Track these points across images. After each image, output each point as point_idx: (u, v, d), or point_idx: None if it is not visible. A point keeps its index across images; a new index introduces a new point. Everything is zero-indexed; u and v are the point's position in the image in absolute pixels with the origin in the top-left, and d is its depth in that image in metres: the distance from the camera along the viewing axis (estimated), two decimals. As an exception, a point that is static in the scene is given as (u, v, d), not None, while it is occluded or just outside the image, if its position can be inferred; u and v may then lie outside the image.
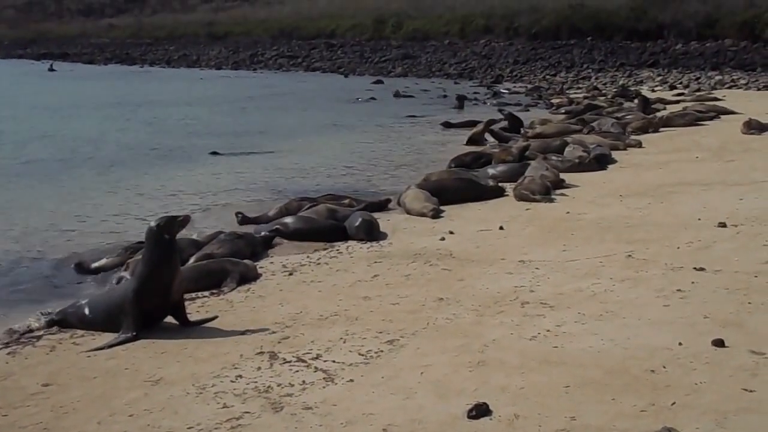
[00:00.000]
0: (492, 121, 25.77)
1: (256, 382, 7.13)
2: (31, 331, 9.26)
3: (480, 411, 6.11)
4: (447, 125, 29.55)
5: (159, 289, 8.82)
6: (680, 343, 7.38)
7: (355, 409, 6.41)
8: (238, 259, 11.43)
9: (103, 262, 12.09)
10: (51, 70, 75.70)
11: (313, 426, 6.16)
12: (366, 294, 9.79)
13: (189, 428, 6.27)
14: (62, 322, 9.48)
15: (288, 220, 13.84)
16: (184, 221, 9.04)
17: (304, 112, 36.97)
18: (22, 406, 6.99)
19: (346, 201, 15.55)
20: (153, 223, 9.00)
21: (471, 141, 24.22)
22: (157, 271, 8.81)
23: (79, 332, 9.21)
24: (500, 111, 29.18)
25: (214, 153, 23.56)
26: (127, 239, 13.57)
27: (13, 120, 34.06)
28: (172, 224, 8.90)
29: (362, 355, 7.64)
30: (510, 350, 7.48)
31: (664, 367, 6.85)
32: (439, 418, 6.15)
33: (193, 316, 9.51)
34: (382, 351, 7.72)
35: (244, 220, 14.58)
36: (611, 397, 6.32)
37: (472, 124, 27.19)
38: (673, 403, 6.15)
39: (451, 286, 9.88)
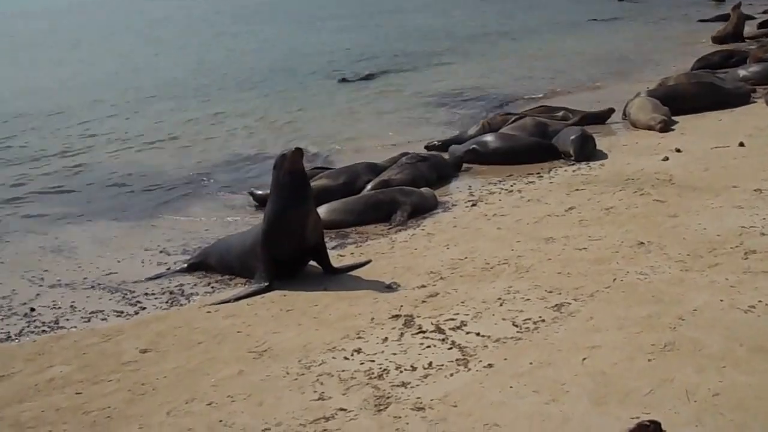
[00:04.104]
0: (739, 6, 22.18)
1: (373, 361, 5.62)
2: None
3: (646, 435, 4.26)
4: (701, 21, 26.38)
5: (288, 232, 7.48)
6: None
7: (478, 414, 4.74)
8: (412, 188, 9.90)
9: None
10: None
11: (413, 440, 4.58)
12: (551, 234, 7.97)
13: (265, 429, 4.88)
14: (202, 264, 8.43)
15: (487, 138, 12.09)
16: (290, 155, 7.51)
17: (550, 9, 34.65)
18: (104, 380, 5.92)
19: (560, 113, 13.55)
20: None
21: (733, 36, 21.05)
22: (283, 213, 7.46)
23: (217, 277, 8.16)
24: None
25: (343, 80, 21.27)
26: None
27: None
28: (281, 162, 7.53)
29: (516, 326, 5.91)
30: (713, 327, 5.47)
31: None
32: (586, 440, 4.37)
33: (345, 259, 8.19)
34: (543, 321, 5.94)
35: (431, 146, 12.89)
36: None
37: (728, 18, 23.77)
38: None
39: (659, 224, 7.84)
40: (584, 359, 5.25)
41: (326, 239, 8.71)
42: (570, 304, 6.19)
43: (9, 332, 7.23)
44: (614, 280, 6.57)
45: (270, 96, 19.62)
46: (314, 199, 9.52)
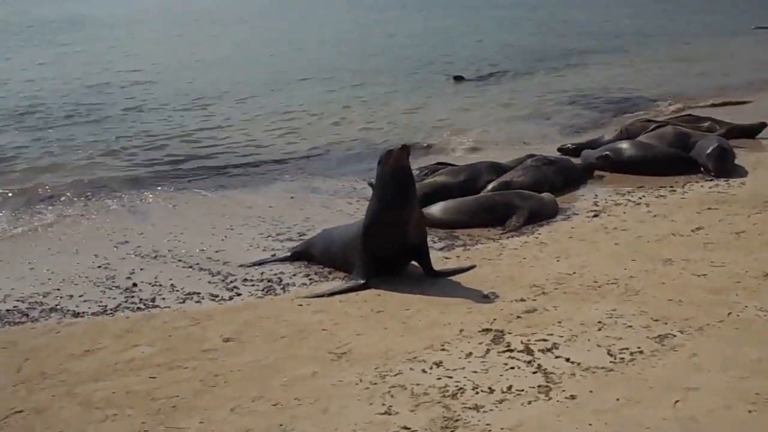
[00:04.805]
0: None
1: (450, 377, 5.31)
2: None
3: (727, 498, 3.81)
4: None
5: (389, 230, 7.23)
6: None
7: (548, 451, 4.38)
8: (531, 193, 9.47)
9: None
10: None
11: (471, 472, 4.26)
12: (670, 255, 7.43)
13: (323, 440, 4.67)
14: (305, 254, 8.29)
15: (623, 145, 11.52)
16: (396, 152, 7.25)
17: (717, 13, 33.14)
18: (180, 366, 5.83)
19: (706, 123, 12.79)
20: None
21: None
22: (384, 210, 7.22)
23: (317, 268, 8.04)
24: None
25: (459, 78, 20.71)
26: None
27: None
28: (386, 158, 7.32)
29: (611, 354, 5.47)
30: (831, 381, 4.91)
31: None
32: (661, 496, 3.95)
33: (451, 261, 7.91)
34: (641, 352, 5.48)
35: (564, 149, 12.42)
36: None
37: None
38: None
39: (793, 255, 7.20)
40: (677, 401, 4.79)
41: (435, 239, 8.49)
42: (675, 336, 5.70)
43: (107, 305, 7.29)
44: (729, 314, 6.02)
45: (400, 86, 19.64)
46: (432, 195, 9.36)
